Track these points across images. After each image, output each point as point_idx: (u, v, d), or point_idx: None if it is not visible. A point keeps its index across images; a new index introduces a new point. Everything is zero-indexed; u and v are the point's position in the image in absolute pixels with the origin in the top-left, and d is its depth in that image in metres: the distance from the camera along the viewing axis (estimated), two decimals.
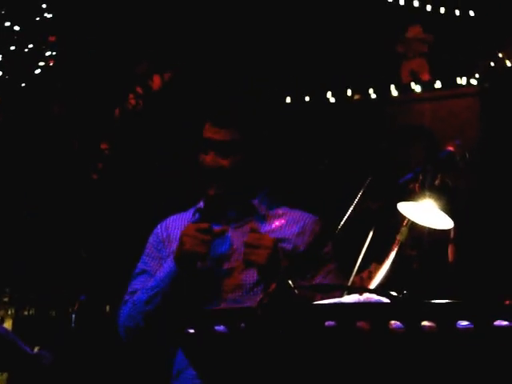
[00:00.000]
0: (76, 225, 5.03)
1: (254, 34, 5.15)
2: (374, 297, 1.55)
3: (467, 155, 1.99)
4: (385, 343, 1.43)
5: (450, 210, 1.90)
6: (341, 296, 1.51)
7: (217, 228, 2.48)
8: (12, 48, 5.18)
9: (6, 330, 3.00)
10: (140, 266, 2.64)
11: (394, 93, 5.03)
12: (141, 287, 2.54)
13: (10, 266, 4.95)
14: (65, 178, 5.14)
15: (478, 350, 1.39)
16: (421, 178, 1.90)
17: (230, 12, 5.17)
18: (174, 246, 2.52)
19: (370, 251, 1.98)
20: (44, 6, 5.26)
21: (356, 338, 1.44)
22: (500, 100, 4.72)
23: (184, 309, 2.40)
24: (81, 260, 4.87)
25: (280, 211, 2.62)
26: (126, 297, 2.56)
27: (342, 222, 1.71)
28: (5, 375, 4.09)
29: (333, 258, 2.54)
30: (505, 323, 1.38)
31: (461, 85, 4.89)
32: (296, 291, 1.52)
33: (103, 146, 5.27)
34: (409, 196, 1.91)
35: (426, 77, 5.00)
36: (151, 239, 2.69)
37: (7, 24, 5.17)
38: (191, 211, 2.68)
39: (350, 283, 1.98)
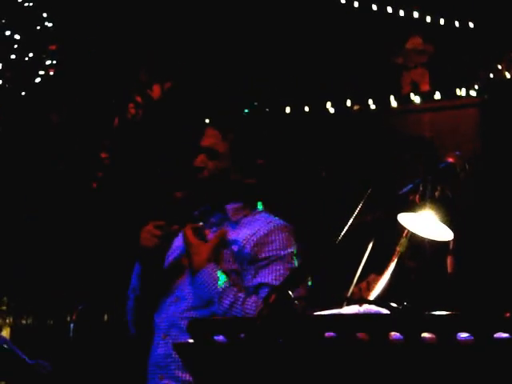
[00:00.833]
0: (75, 232, 5.03)
1: (255, 44, 5.16)
2: (374, 308, 1.55)
3: (467, 166, 1.99)
4: (384, 355, 1.43)
5: (449, 222, 1.90)
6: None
7: (174, 226, 2.66)
8: (12, 57, 5.19)
9: (4, 338, 2.99)
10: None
11: (394, 103, 5.04)
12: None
13: (9, 272, 4.95)
14: (65, 184, 5.14)
15: (478, 363, 1.39)
16: (421, 189, 1.90)
17: (231, 21, 5.19)
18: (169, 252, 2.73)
19: (368, 262, 1.98)
20: (45, 15, 5.27)
21: (356, 349, 1.43)
22: (499, 111, 4.73)
23: (150, 301, 2.66)
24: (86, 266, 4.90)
25: (252, 217, 2.70)
26: (128, 292, 2.77)
27: (342, 233, 1.70)
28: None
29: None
30: (505, 335, 1.38)
31: (460, 96, 4.90)
32: (295, 302, 1.52)
33: (103, 155, 5.28)
34: (409, 207, 1.90)
35: (426, 87, 5.01)
36: None
37: (8, 33, 5.18)
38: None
39: (349, 294, 1.97)
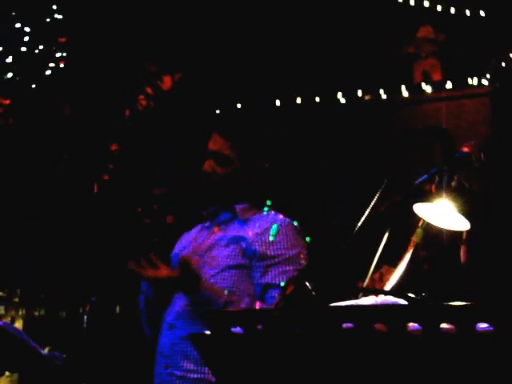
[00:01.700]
0: (89, 224, 5.04)
1: (264, 34, 5.15)
2: (391, 299, 1.54)
3: (483, 156, 1.98)
4: (402, 345, 1.43)
5: (466, 212, 1.89)
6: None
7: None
8: (23, 49, 5.19)
9: (18, 330, 2.99)
10: None
11: (405, 93, 5.02)
12: None
13: (21, 266, 4.96)
14: (73, 178, 5.15)
15: (498, 353, 1.39)
16: (437, 179, 1.89)
17: (239, 15, 5.17)
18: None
19: (382, 253, 1.97)
20: (54, 7, 5.26)
21: (373, 340, 1.43)
22: (511, 100, 4.71)
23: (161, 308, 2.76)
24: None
25: (260, 216, 2.76)
26: (141, 284, 2.84)
27: (358, 224, 1.70)
28: (15, 375, 4.10)
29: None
30: None
31: (472, 85, 4.87)
32: (313, 293, 1.52)
33: (113, 147, 5.28)
34: (424, 197, 1.90)
35: (437, 77, 4.98)
36: None
37: (18, 25, 5.18)
38: (198, 227, 2.90)
39: (364, 285, 1.97)
